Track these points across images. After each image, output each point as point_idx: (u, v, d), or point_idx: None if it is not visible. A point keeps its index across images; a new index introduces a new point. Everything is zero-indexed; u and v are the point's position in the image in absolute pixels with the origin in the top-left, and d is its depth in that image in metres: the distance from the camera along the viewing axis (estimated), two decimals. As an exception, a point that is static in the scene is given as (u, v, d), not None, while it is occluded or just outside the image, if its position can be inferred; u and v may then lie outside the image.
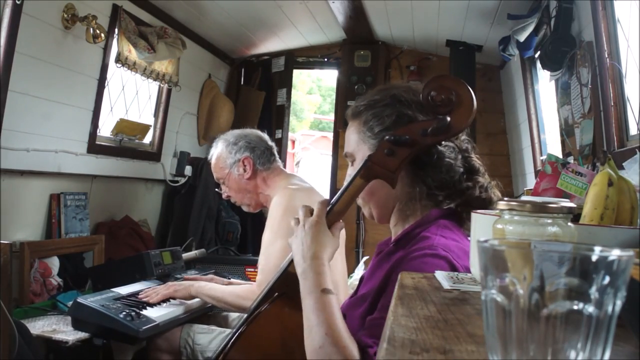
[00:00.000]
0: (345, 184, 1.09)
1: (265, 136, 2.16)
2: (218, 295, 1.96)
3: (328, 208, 1.07)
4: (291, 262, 1.12)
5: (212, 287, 2.01)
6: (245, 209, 2.16)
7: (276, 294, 1.15)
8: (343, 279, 1.93)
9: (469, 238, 1.07)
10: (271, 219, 1.89)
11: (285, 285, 1.13)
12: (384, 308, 0.91)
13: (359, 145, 1.14)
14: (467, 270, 0.93)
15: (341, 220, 1.08)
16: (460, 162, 1.10)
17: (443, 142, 1.07)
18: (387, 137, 1.03)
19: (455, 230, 1.07)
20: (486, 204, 1.07)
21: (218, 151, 2.11)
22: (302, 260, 1.01)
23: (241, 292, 1.94)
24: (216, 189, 2.21)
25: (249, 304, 1.75)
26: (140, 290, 2.13)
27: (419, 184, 1.09)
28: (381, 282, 1.00)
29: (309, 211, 1.07)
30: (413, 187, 1.09)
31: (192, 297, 2.04)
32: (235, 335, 1.10)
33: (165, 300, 2.06)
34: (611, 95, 1.84)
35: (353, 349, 0.89)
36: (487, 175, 1.14)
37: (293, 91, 4.30)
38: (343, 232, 2.02)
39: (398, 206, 1.13)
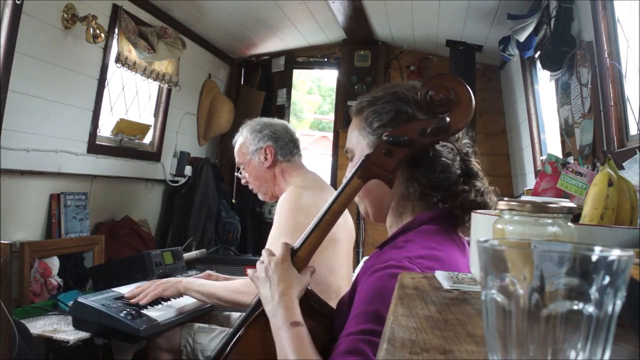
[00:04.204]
0: (342, 184, 1.08)
1: (292, 129, 2.15)
2: (210, 291, 1.89)
3: (296, 246, 1.11)
4: None
5: (202, 283, 1.95)
6: (261, 197, 2.16)
7: None
8: (348, 283, 1.92)
9: (455, 243, 1.06)
10: (278, 216, 1.89)
11: None
12: (350, 323, 0.93)
13: (358, 141, 1.13)
14: None
15: (311, 266, 1.12)
16: (458, 164, 1.08)
17: (440, 142, 1.06)
18: (385, 137, 1.03)
19: (437, 237, 1.03)
20: (480, 208, 1.03)
21: (243, 137, 2.11)
22: (271, 298, 1.05)
23: (237, 286, 1.87)
24: (235, 173, 2.22)
25: (247, 299, 1.70)
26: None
27: (413, 183, 1.08)
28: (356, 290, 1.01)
29: (271, 252, 1.11)
30: (407, 186, 1.08)
31: (182, 294, 1.99)
32: (234, 339, 1.10)
33: (159, 300, 2.01)
34: (611, 95, 1.84)
35: None
36: (486, 181, 1.12)
37: (293, 91, 4.30)
38: (353, 233, 2.03)
39: (393, 205, 1.12)
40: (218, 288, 1.90)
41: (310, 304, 1.11)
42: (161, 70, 3.08)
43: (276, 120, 2.15)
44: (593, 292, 0.34)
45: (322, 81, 11.40)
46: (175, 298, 2.04)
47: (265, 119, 2.15)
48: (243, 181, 2.15)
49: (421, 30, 3.47)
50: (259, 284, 1.09)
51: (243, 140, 2.10)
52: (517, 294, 0.35)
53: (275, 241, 1.84)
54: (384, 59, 3.90)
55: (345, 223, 1.96)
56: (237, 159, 2.14)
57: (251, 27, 3.55)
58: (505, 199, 0.64)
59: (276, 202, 2.01)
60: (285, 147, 2.06)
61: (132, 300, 1.96)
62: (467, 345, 0.47)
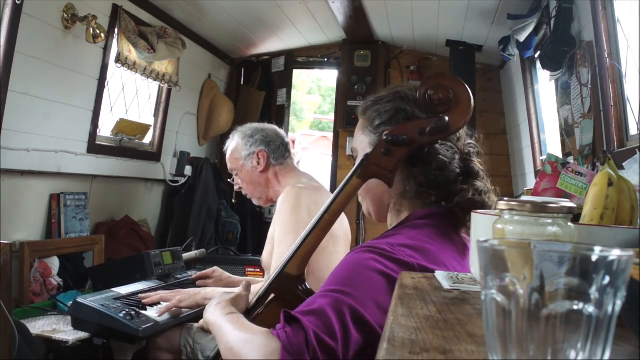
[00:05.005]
0: (342, 184, 1.09)
1: (282, 132, 2.17)
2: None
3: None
4: (287, 263, 1.13)
5: (219, 292, 1.95)
6: (255, 202, 2.17)
7: (272, 295, 1.15)
8: None
9: (452, 241, 1.05)
10: (279, 217, 1.88)
11: (282, 287, 1.13)
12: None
13: (362, 140, 1.15)
14: (424, 269, 0.92)
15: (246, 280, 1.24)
16: (457, 163, 1.08)
17: (440, 141, 1.06)
18: (384, 136, 1.03)
19: (429, 231, 1.03)
20: (477, 207, 1.02)
21: (234, 142, 2.12)
22: (209, 307, 1.16)
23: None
24: (229, 180, 2.22)
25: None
26: (141, 291, 2.12)
27: (410, 181, 1.08)
28: None
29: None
30: (404, 184, 1.09)
31: (200, 306, 1.96)
32: None
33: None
34: (611, 95, 1.84)
35: (259, 329, 0.97)
36: (488, 181, 1.12)
37: (293, 91, 4.30)
38: (349, 232, 2.03)
39: (392, 204, 1.13)
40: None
41: (304, 297, 1.11)
42: (161, 70, 3.08)
43: (266, 125, 2.17)
44: (593, 292, 0.34)
45: (322, 81, 11.42)
46: (192, 309, 1.98)
47: (256, 124, 2.17)
48: (237, 187, 2.15)
49: (421, 30, 3.47)
50: (205, 313, 1.19)
51: (235, 146, 2.11)
52: (517, 294, 0.35)
53: (281, 242, 1.84)
54: (384, 59, 3.90)
55: (342, 221, 1.97)
56: (229, 165, 2.15)
57: (251, 27, 3.55)
58: (505, 199, 0.64)
59: (272, 205, 2.01)
60: (278, 150, 2.07)
61: (143, 300, 1.97)
62: (467, 345, 0.47)
